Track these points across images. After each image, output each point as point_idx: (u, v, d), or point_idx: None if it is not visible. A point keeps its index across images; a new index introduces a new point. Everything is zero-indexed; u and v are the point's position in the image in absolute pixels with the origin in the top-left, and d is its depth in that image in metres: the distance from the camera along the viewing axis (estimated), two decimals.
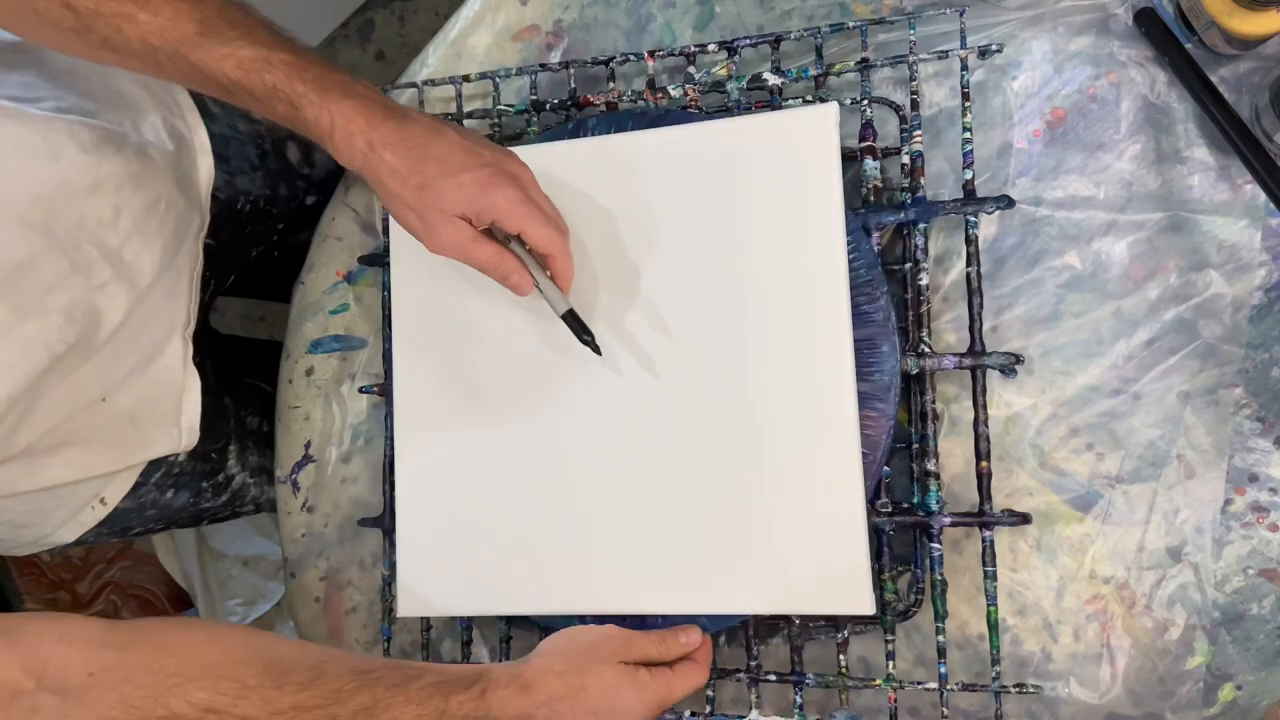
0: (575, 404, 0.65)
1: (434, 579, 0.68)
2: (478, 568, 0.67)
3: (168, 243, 0.68)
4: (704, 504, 0.62)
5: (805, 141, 0.61)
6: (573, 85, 0.71)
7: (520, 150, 0.66)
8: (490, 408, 0.67)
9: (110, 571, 1.48)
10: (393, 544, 0.73)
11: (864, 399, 0.60)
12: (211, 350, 0.79)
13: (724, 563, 0.61)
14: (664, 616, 0.63)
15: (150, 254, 0.66)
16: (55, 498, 0.69)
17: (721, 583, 0.62)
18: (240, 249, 0.80)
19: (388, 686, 0.52)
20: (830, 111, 0.61)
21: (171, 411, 0.73)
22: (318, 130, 0.56)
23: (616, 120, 0.68)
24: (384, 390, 0.74)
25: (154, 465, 0.75)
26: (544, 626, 0.68)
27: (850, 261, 0.61)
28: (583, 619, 0.64)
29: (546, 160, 0.65)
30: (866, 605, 0.59)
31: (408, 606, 0.69)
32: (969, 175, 0.61)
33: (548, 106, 0.71)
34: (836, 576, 0.59)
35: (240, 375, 0.89)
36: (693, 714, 0.64)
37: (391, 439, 0.71)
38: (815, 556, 0.60)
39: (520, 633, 0.70)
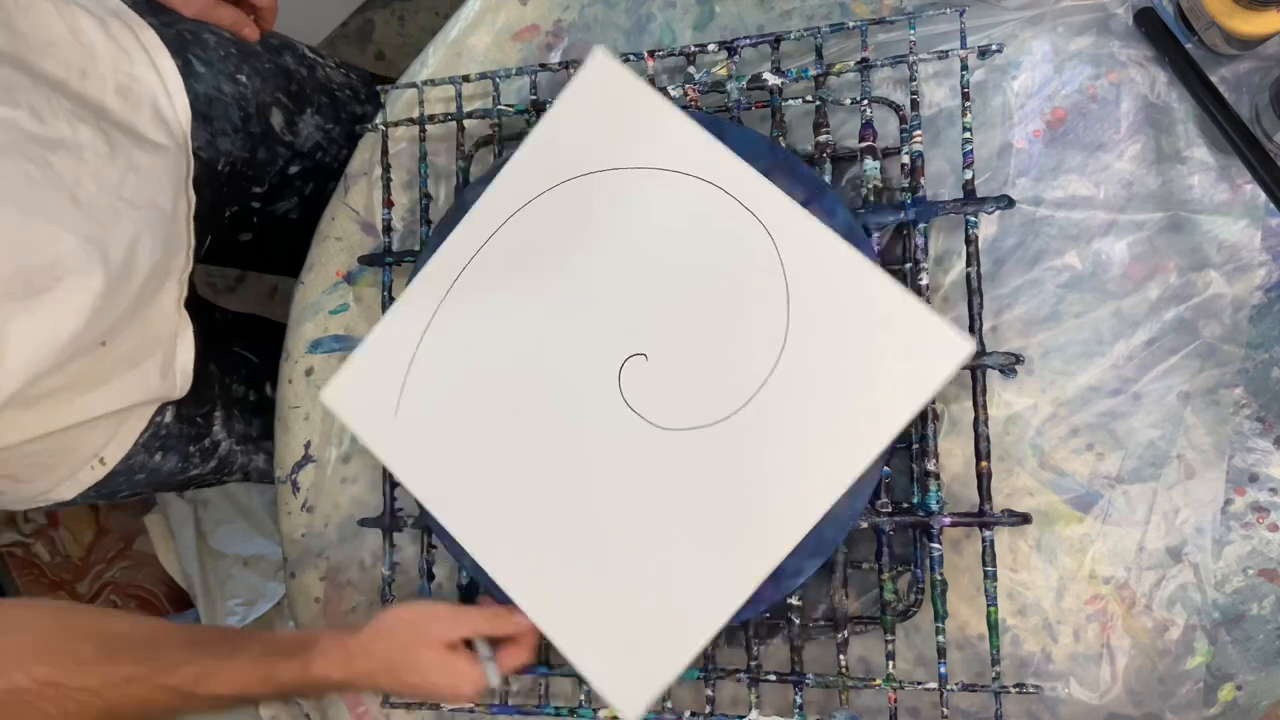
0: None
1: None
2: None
3: (162, 185, 0.68)
4: (619, 555, 0.61)
5: (924, 351, 0.57)
6: None
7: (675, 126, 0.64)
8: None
9: (110, 571, 1.49)
10: (393, 544, 0.73)
11: None
12: (198, 315, 0.79)
13: (603, 610, 0.62)
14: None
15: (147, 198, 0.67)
16: (58, 451, 0.70)
17: (585, 626, 0.62)
18: (215, 210, 0.80)
19: (215, 656, 0.58)
20: (963, 348, 0.56)
21: (167, 355, 0.74)
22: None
23: None
24: None
25: (143, 426, 0.76)
26: None
27: None
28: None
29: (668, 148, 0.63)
30: (634, 713, 0.59)
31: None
32: (969, 175, 0.61)
33: (548, 106, 0.71)
34: (641, 671, 0.60)
35: (227, 343, 0.90)
36: (693, 714, 0.64)
37: None
38: (645, 644, 0.60)
39: None
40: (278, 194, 0.86)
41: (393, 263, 0.75)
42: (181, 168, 0.72)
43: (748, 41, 0.67)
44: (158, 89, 0.71)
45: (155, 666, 0.56)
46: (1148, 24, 0.62)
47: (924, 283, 0.61)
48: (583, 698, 0.67)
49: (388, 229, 0.76)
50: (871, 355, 0.58)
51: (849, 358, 0.58)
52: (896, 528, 0.61)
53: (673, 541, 0.60)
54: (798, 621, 0.63)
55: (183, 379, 0.76)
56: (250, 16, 0.70)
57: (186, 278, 0.74)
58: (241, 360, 0.90)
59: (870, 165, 0.63)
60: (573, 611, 0.62)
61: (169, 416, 0.78)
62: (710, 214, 0.62)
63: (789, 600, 0.62)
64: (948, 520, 0.60)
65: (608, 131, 0.64)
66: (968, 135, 0.62)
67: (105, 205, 0.63)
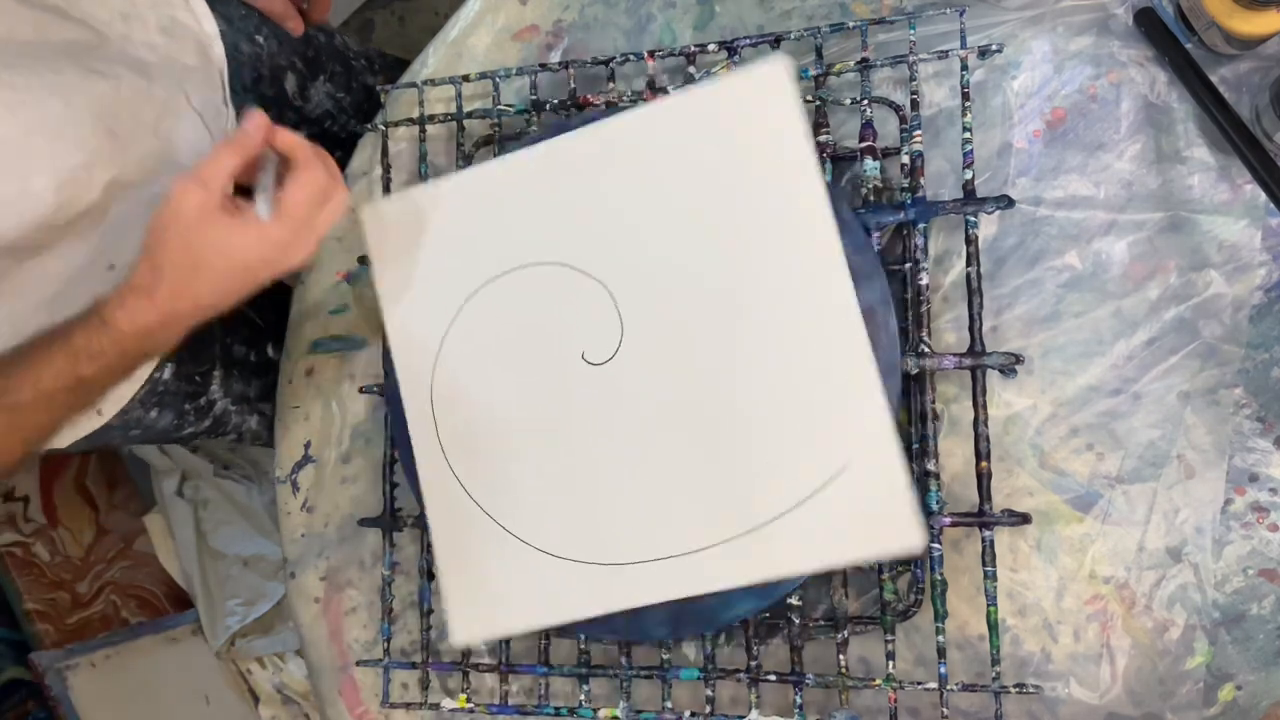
0: (587, 401, 0.64)
1: (485, 600, 0.66)
2: (525, 582, 0.65)
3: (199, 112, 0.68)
4: (726, 478, 0.60)
5: (762, 102, 0.59)
6: (573, 85, 0.71)
7: (479, 169, 0.67)
8: (511, 409, 0.66)
9: (110, 571, 1.49)
10: (393, 544, 0.73)
11: None
12: None
13: (760, 529, 0.59)
14: (714, 596, 0.61)
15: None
16: None
17: (761, 550, 0.59)
18: None
19: (11, 368, 0.54)
20: (779, 70, 0.59)
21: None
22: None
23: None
24: (384, 390, 0.74)
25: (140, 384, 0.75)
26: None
27: (850, 261, 0.60)
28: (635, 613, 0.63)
29: (507, 174, 0.66)
30: (916, 538, 0.55)
31: (463, 633, 0.66)
32: (969, 175, 0.61)
33: (548, 106, 0.71)
34: (877, 514, 0.56)
35: None
36: (693, 714, 0.64)
37: (391, 440, 0.71)
38: (850, 499, 0.57)
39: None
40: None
41: None
42: (224, 118, 0.71)
43: (748, 41, 0.67)
44: (196, 32, 0.71)
45: None
46: (1148, 24, 0.62)
47: (924, 283, 0.61)
48: (582, 698, 0.67)
49: None
50: (735, 157, 0.60)
51: (725, 171, 0.61)
52: None
53: (778, 416, 0.59)
54: (798, 621, 0.63)
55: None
56: (303, 5, 0.70)
57: None
58: (244, 319, 0.89)
59: (870, 165, 0.63)
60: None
61: (167, 374, 0.78)
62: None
63: (789, 600, 0.62)
64: (948, 520, 0.60)
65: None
66: (968, 135, 0.62)
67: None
